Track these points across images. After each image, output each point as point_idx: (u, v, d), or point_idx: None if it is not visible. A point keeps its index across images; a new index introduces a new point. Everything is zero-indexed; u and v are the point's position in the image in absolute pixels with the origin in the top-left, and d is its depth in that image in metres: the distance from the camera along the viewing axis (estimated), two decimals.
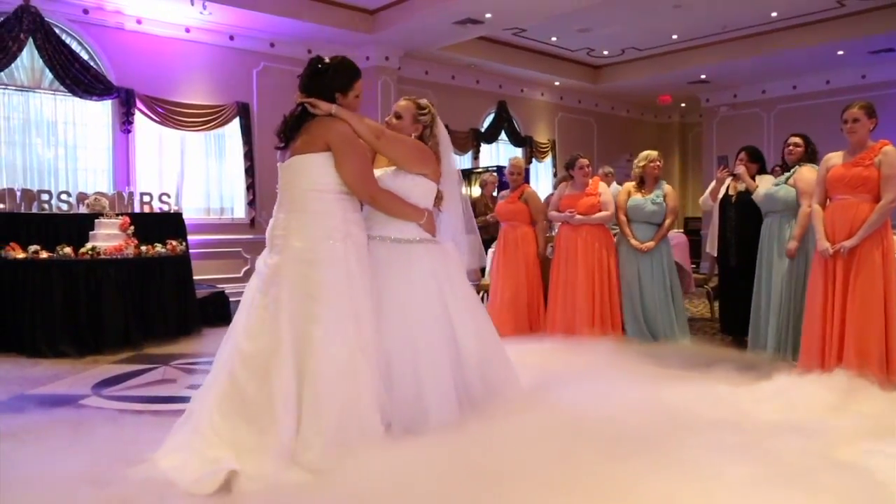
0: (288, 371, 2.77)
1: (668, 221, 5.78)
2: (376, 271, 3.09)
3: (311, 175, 2.96)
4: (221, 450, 2.71)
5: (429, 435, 2.92)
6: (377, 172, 3.18)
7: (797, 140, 5.10)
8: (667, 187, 5.88)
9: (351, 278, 2.92)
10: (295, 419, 2.74)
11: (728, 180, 5.66)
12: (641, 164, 5.87)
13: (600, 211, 5.82)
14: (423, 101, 3.31)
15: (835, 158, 4.36)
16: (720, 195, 5.72)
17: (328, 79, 2.99)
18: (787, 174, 5.09)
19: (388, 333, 3.03)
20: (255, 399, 2.77)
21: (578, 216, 5.81)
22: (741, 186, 5.46)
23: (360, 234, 3.06)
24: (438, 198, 3.31)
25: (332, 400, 2.76)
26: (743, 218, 5.46)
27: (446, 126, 3.46)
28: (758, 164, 5.56)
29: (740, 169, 5.44)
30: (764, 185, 5.32)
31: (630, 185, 5.99)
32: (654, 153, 5.93)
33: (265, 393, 2.76)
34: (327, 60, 3.04)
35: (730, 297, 5.75)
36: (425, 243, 3.22)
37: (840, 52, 10.99)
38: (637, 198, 5.83)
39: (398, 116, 3.27)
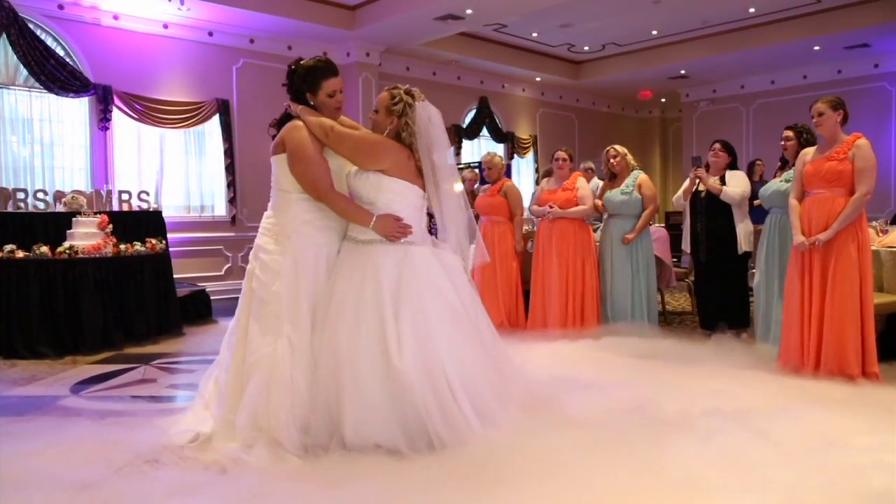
0: (237, 355, 3.09)
1: (646, 211, 5.78)
2: (335, 270, 3.08)
3: (275, 175, 3.14)
4: (208, 411, 3.17)
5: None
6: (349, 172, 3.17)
7: (788, 133, 5.01)
8: (640, 177, 5.87)
9: (295, 277, 3.01)
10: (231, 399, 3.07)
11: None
12: (604, 159, 5.98)
13: (577, 205, 5.83)
14: (396, 91, 3.12)
15: (810, 153, 4.40)
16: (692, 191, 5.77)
17: (297, 80, 3.12)
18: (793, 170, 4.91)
19: (324, 335, 2.97)
20: (219, 375, 3.22)
21: (557, 209, 5.82)
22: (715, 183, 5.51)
23: (315, 234, 3.07)
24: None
25: (249, 388, 2.96)
26: (712, 213, 5.49)
27: None
28: (730, 156, 5.60)
29: (701, 173, 5.50)
30: (738, 182, 5.38)
31: (604, 182, 6.12)
32: (612, 148, 5.96)
33: (223, 370, 3.18)
34: (301, 62, 3.15)
35: (703, 293, 5.77)
36: (384, 245, 3.02)
37: (816, 48, 11.12)
38: (609, 192, 5.91)
39: (375, 111, 3.18)
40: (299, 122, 3.07)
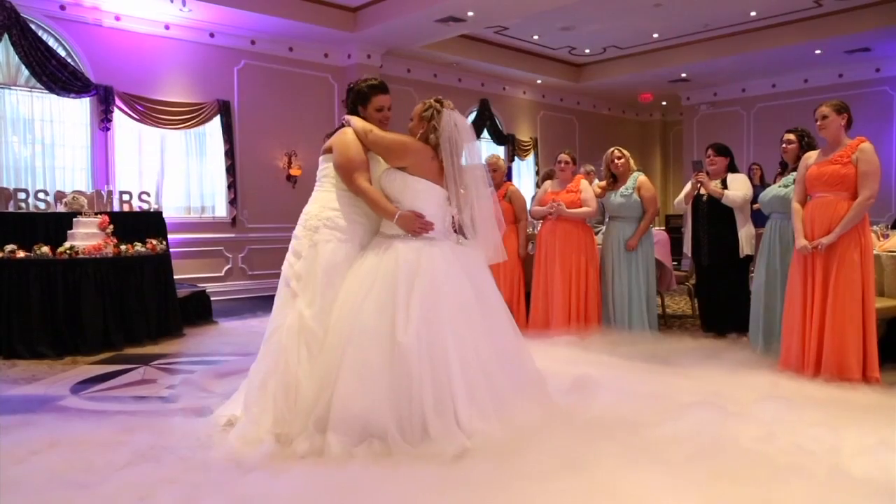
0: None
1: (647, 215, 5.79)
2: (359, 259, 3.29)
3: (319, 172, 3.49)
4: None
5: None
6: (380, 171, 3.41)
7: (790, 137, 4.97)
8: (640, 179, 5.88)
9: (314, 259, 3.22)
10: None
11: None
12: (608, 160, 5.98)
13: (581, 207, 5.84)
14: (428, 101, 3.42)
15: (813, 156, 4.40)
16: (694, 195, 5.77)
17: (353, 95, 3.54)
18: (794, 175, 4.85)
19: (340, 310, 3.14)
20: None
21: (562, 206, 5.82)
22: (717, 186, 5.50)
23: (340, 223, 3.30)
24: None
25: (265, 359, 3.20)
26: (715, 218, 5.50)
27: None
28: (727, 158, 5.59)
29: (703, 178, 5.50)
30: (739, 186, 5.38)
31: (602, 182, 6.11)
32: (617, 149, 5.97)
33: None
34: (360, 80, 3.58)
35: (706, 296, 5.79)
36: (406, 238, 3.23)
37: (818, 52, 11.12)
38: (609, 194, 5.94)
39: (411, 119, 3.46)
40: (348, 128, 3.42)
